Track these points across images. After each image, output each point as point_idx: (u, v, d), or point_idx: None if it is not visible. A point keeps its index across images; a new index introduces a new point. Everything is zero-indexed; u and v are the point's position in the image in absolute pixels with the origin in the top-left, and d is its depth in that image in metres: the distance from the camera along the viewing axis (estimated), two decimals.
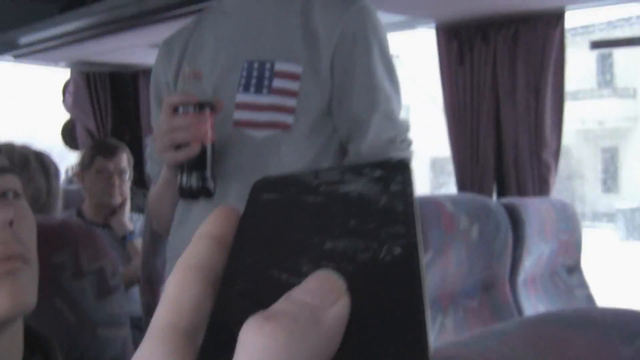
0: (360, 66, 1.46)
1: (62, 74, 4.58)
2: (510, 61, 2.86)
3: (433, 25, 3.02)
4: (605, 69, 19.87)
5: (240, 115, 1.45)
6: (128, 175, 2.98)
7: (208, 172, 1.38)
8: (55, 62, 4.16)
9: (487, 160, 2.96)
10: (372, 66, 1.46)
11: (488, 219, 2.25)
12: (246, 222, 0.30)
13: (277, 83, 1.43)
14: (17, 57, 3.87)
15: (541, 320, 0.57)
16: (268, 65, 1.44)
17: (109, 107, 4.34)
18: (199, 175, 1.37)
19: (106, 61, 4.04)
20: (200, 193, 1.39)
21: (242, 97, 1.45)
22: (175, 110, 1.36)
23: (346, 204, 0.29)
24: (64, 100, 4.52)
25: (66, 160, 5.03)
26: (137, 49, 3.67)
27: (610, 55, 19.22)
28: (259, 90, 1.43)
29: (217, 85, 1.50)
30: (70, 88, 4.43)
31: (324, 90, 1.45)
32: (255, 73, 1.44)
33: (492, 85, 2.92)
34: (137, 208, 3.18)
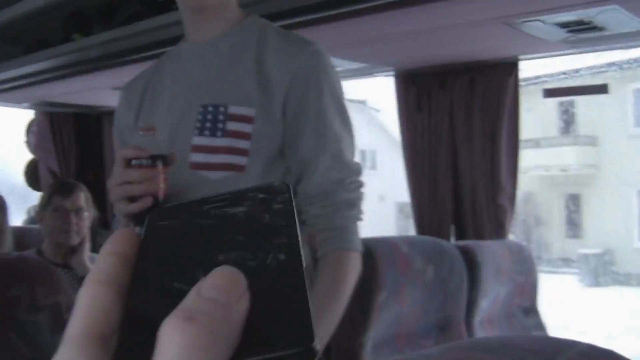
0: (310, 108, 1.48)
1: (26, 114, 4.58)
2: (466, 108, 2.94)
3: (392, 72, 3.10)
4: (567, 117, 20.25)
5: (196, 157, 1.47)
6: (86, 215, 2.98)
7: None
8: (19, 102, 4.17)
9: (445, 204, 3.02)
10: (322, 108, 1.49)
11: (443, 261, 2.30)
12: (146, 243, 0.35)
13: (231, 126, 1.46)
14: None
15: (464, 346, 0.61)
16: (222, 109, 1.47)
17: (72, 147, 4.35)
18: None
19: (70, 102, 4.06)
20: None
21: (197, 140, 1.48)
22: (128, 162, 1.38)
23: (234, 223, 0.33)
24: (27, 141, 4.51)
25: (29, 200, 5.00)
26: (101, 90, 3.69)
27: (571, 103, 19.60)
28: (213, 133, 1.46)
29: (174, 129, 1.52)
30: (34, 128, 4.43)
31: (276, 133, 1.47)
32: (210, 116, 1.47)
33: (449, 131, 2.99)
34: (99, 249, 3.17)
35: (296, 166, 1.50)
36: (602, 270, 17.26)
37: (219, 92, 1.50)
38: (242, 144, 1.46)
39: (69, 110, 4.26)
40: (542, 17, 2.23)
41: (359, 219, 1.52)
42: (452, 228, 3.05)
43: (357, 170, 1.53)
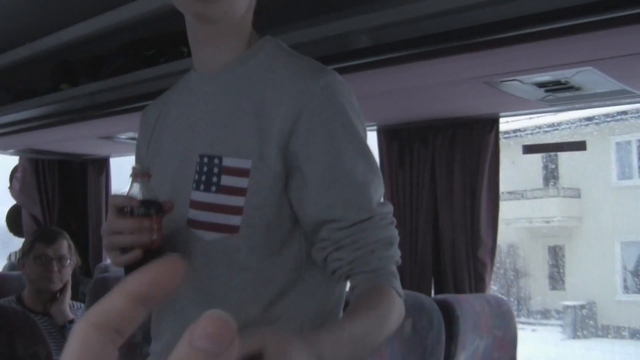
0: (322, 156, 1.26)
1: (10, 160, 4.59)
2: (447, 163, 2.99)
3: (375, 127, 3.15)
4: (550, 170, 20.44)
5: (193, 214, 1.32)
6: (69, 262, 2.99)
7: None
8: (4, 149, 4.19)
9: (425, 257, 3.05)
10: (338, 154, 1.26)
11: (421, 315, 2.32)
12: None
13: (226, 180, 1.29)
14: None
15: None
16: (217, 161, 1.30)
17: (56, 195, 4.36)
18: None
19: (56, 150, 4.08)
20: None
21: (195, 195, 1.32)
22: (120, 210, 1.24)
23: None
24: (10, 187, 4.51)
25: (10, 246, 4.98)
26: (86, 139, 3.72)
27: (555, 156, 19.80)
28: (208, 188, 1.30)
29: (175, 178, 1.38)
30: (18, 174, 4.44)
31: (276, 186, 1.28)
32: (205, 169, 1.31)
33: (430, 185, 3.03)
34: (82, 297, 3.17)
35: (312, 223, 1.28)
36: (582, 323, 17.25)
37: (215, 139, 1.33)
38: (236, 200, 1.28)
39: (54, 157, 4.28)
40: (520, 77, 2.29)
41: (398, 261, 1.30)
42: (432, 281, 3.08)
43: (388, 209, 1.32)
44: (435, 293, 3.04)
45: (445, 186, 3.00)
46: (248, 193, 1.26)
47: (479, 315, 2.62)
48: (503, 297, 3.00)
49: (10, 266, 4.51)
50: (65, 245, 3.01)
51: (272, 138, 1.26)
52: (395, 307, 1.24)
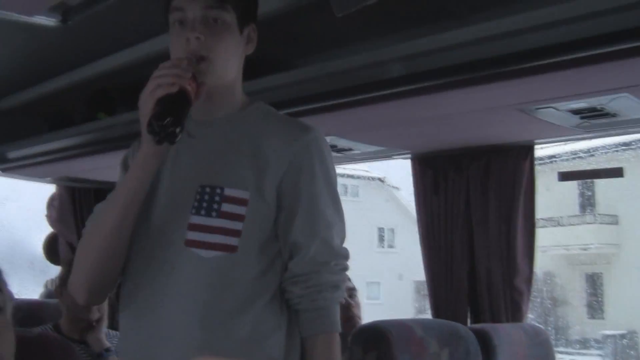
0: (304, 194, 1.57)
1: (47, 188, 4.65)
2: (482, 190, 2.96)
3: (409, 155, 3.14)
4: (586, 197, 20.20)
5: (191, 235, 1.53)
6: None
7: (179, 118, 1.40)
8: (41, 177, 4.24)
9: (460, 286, 3.02)
10: (316, 195, 1.58)
11: (458, 344, 2.29)
12: None
13: (226, 207, 1.53)
14: (5, 170, 3.95)
15: None
16: (218, 190, 1.54)
17: None
18: (170, 116, 1.39)
19: (91, 178, 4.12)
20: (166, 136, 1.39)
21: (194, 219, 1.54)
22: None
23: None
24: (48, 215, 4.56)
25: (47, 274, 5.02)
26: None
27: (591, 182, 19.57)
28: (209, 213, 1.53)
29: (172, 205, 1.58)
30: (55, 202, 4.48)
31: (269, 215, 1.56)
32: (206, 197, 1.54)
33: (465, 213, 3.01)
34: (117, 325, 3.17)
35: (287, 247, 1.58)
36: (623, 353, 16.91)
37: (216, 173, 1.57)
38: (236, 225, 1.53)
39: (90, 185, 4.32)
40: (555, 105, 2.28)
41: (341, 301, 1.61)
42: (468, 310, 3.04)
43: (344, 255, 1.62)
44: (472, 322, 3.00)
45: (480, 214, 2.97)
46: (246, 219, 1.53)
47: (517, 345, 2.58)
48: (540, 326, 2.95)
49: (47, 294, 4.53)
50: None
51: (267, 176, 1.55)
52: (338, 355, 1.57)
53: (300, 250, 1.57)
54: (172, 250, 1.54)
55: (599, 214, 20.05)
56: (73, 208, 4.37)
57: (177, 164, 1.62)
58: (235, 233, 1.53)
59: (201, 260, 1.52)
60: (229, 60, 1.59)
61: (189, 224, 1.54)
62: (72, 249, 4.37)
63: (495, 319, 2.92)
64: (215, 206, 1.53)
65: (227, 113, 1.64)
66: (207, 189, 1.55)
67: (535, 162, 2.93)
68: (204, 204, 1.54)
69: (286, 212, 1.57)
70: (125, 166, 1.75)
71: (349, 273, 1.66)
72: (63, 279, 2.96)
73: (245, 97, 1.69)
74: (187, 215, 1.55)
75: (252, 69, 1.74)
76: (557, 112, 2.34)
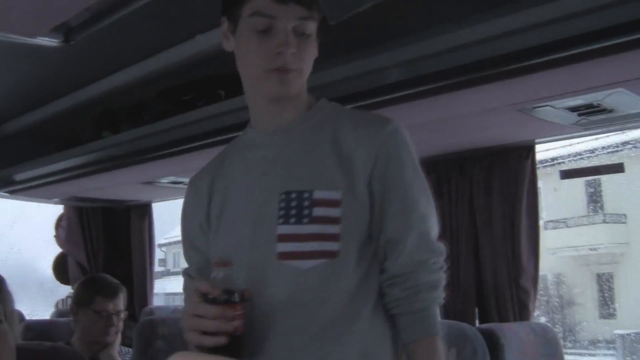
0: (396, 187, 1.45)
1: (55, 209, 4.68)
2: (486, 192, 2.98)
3: None
4: (594, 196, 20.15)
5: (283, 247, 1.42)
6: (124, 314, 2.99)
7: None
8: (49, 198, 4.27)
9: (468, 287, 3.03)
10: (408, 186, 1.46)
11: (465, 345, 2.31)
12: None
13: (318, 212, 1.41)
14: (13, 193, 3.98)
15: None
16: (307, 195, 1.42)
17: (100, 241, 4.42)
18: None
19: (99, 197, 4.15)
20: None
21: (283, 229, 1.42)
22: (204, 296, 1.32)
23: None
24: (56, 235, 4.60)
25: (57, 294, 5.05)
26: (129, 185, 3.78)
27: (598, 182, 19.53)
28: (299, 220, 1.41)
29: (255, 220, 1.47)
30: (63, 223, 4.52)
31: (364, 214, 1.44)
32: (294, 203, 1.42)
33: (469, 216, 3.03)
34: (128, 341, 3.19)
35: (382, 245, 1.46)
36: (635, 352, 16.82)
37: (299, 178, 1.45)
38: (332, 229, 1.41)
39: (98, 204, 4.35)
40: (552, 103, 2.30)
41: (440, 302, 1.46)
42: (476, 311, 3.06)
43: (440, 251, 1.50)
44: (480, 323, 3.02)
45: (484, 216, 2.99)
46: (342, 221, 1.41)
47: (524, 343, 2.60)
48: (548, 324, 2.96)
49: (59, 313, 4.56)
50: (123, 298, 3.00)
51: (356, 173, 1.43)
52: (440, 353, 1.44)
53: (397, 247, 1.44)
54: (264, 266, 1.43)
55: (607, 214, 20.00)
56: (81, 227, 4.41)
57: (251, 177, 1.53)
58: (334, 237, 1.40)
59: (300, 273, 1.40)
60: (310, 69, 1.50)
61: (278, 235, 1.42)
62: (81, 268, 4.41)
63: (502, 319, 2.94)
64: (305, 212, 1.41)
65: (296, 115, 1.53)
66: (293, 195, 1.43)
67: (541, 165, 2.94)
68: (292, 211, 1.42)
69: (379, 209, 1.44)
70: (188, 233, 1.64)
71: None
72: (83, 301, 2.95)
73: (310, 96, 1.59)
74: (274, 227, 1.43)
75: None
76: (555, 110, 2.37)
